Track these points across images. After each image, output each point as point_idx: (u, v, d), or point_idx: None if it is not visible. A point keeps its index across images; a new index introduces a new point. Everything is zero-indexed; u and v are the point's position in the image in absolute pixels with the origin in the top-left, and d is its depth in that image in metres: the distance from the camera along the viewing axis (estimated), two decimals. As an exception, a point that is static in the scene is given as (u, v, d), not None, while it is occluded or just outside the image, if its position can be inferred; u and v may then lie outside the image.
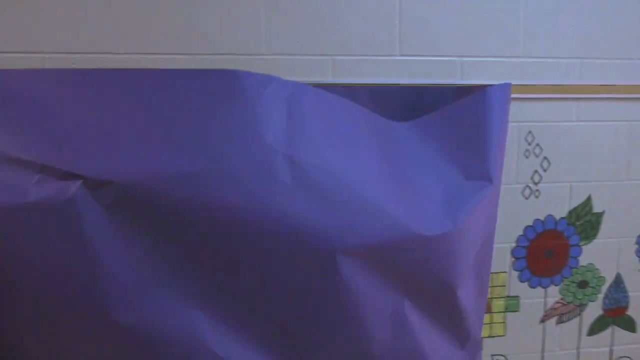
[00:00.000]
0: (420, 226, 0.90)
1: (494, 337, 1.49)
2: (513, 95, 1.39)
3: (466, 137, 1.14)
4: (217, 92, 0.90)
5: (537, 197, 1.46)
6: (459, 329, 1.08)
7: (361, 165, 0.93)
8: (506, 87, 1.25)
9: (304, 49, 1.31)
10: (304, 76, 1.31)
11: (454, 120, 1.17)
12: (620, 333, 1.55)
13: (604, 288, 1.53)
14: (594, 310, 1.53)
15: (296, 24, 1.29)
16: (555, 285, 1.50)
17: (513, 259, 1.47)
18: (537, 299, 1.50)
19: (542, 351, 1.52)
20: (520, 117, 1.42)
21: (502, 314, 1.48)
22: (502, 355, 1.50)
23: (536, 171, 1.45)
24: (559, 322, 1.52)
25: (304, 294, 0.88)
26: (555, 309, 1.51)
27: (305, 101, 0.97)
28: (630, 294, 1.54)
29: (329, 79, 1.32)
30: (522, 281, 1.48)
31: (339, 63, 1.32)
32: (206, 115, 0.87)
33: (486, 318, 1.46)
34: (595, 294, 1.53)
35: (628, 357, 1.56)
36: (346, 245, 0.83)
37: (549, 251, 1.48)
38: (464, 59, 1.37)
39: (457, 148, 1.13)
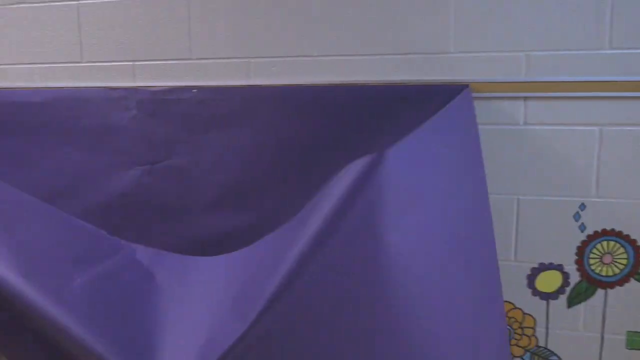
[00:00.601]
0: None
1: None
2: None
3: None
4: None
5: None
6: None
7: None
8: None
9: (494, 45, 1.24)
10: (494, 73, 1.24)
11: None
12: None
13: None
14: None
15: (487, 19, 1.23)
16: None
17: None
18: None
19: None
20: None
21: None
22: None
23: None
24: None
25: None
26: None
27: None
28: None
29: (522, 76, 1.24)
30: None
31: (534, 59, 1.23)
32: None
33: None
34: None
35: None
36: None
37: None
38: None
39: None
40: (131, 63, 1.42)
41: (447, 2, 1.24)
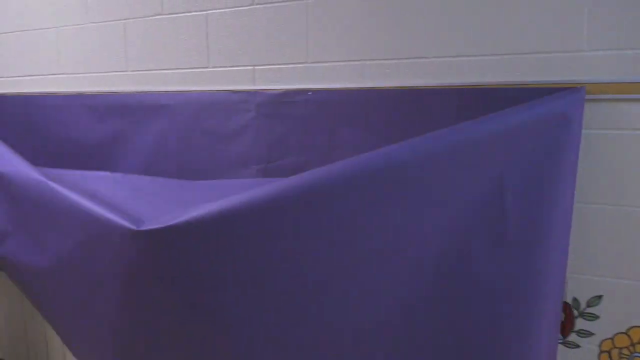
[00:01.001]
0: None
1: None
2: None
3: None
4: None
5: None
6: None
7: None
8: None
9: (631, 43, 1.11)
10: (630, 72, 1.12)
11: None
12: None
13: None
14: None
15: (623, 14, 1.11)
16: None
17: None
18: None
19: None
20: None
21: None
22: None
23: None
24: None
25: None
26: None
27: None
28: None
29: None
30: None
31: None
32: None
33: None
34: None
35: None
36: None
37: None
38: None
39: None
40: (252, 67, 1.50)
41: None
